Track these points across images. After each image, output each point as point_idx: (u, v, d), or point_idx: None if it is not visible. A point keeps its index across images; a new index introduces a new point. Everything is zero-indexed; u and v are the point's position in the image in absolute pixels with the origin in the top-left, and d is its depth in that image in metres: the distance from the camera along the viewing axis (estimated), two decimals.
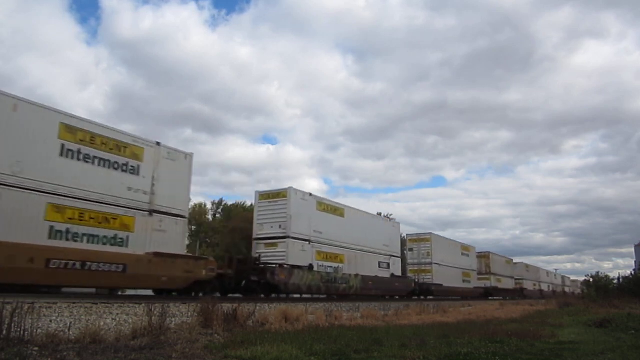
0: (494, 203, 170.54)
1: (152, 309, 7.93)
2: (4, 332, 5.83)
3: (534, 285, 63.13)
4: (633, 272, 42.92)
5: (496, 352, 7.23)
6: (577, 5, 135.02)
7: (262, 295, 19.14)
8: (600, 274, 43.59)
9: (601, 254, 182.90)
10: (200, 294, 14.41)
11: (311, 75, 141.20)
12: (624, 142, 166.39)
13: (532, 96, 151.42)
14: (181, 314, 10.37)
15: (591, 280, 44.10)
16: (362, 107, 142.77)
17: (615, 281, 41.95)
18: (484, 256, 46.77)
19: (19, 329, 5.96)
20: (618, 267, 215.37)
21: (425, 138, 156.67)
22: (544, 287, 68.53)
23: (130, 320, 8.78)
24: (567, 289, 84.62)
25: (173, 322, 8.78)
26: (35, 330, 6.23)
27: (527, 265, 62.24)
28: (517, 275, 55.79)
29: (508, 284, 50.77)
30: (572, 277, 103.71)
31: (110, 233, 12.94)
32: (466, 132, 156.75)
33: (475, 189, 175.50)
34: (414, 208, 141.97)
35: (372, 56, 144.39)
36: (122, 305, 10.53)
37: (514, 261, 57.43)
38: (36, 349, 5.65)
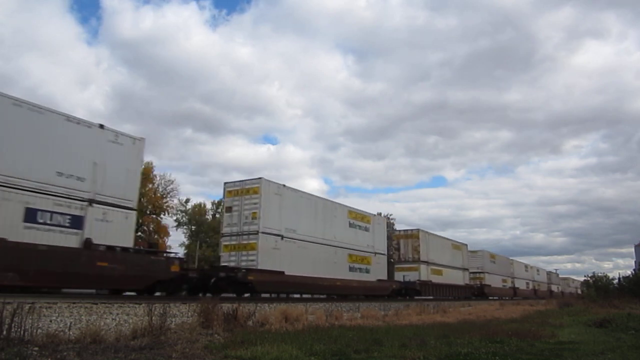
0: (495, 203, 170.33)
1: (152, 309, 7.93)
2: (4, 332, 5.83)
3: (504, 281, 49.45)
4: (633, 272, 43.02)
5: (496, 352, 7.24)
6: (578, 5, 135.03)
7: None
8: (599, 273, 43.66)
9: (601, 254, 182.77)
10: None
11: (312, 76, 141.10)
12: (625, 142, 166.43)
13: (532, 96, 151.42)
14: (181, 314, 10.37)
15: (591, 280, 44.20)
16: (363, 107, 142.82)
17: (615, 281, 42.06)
18: (410, 235, 31.47)
19: (19, 329, 5.96)
20: (618, 267, 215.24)
21: (426, 138, 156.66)
22: (521, 285, 55.40)
23: (131, 320, 8.79)
24: (555, 288, 74.95)
25: (173, 322, 8.79)
26: (35, 330, 6.23)
27: (492, 255, 46.90)
28: (475, 267, 42.20)
29: (456, 278, 35.96)
30: (563, 275, 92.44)
31: None
32: (466, 132, 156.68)
33: (476, 189, 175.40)
34: (414, 208, 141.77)
35: (372, 56, 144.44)
36: (122, 305, 10.52)
37: (470, 248, 43.28)
38: (36, 349, 5.65)
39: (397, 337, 8.68)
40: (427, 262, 31.56)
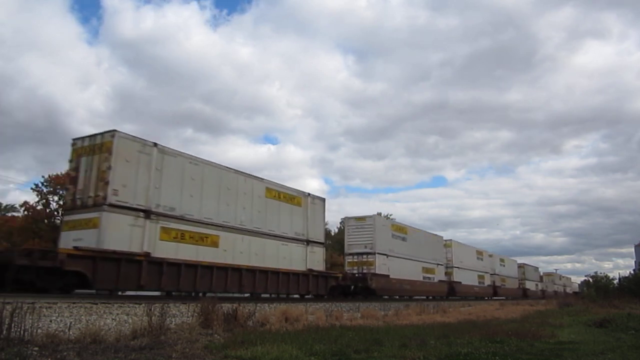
0: (495, 203, 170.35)
1: (152, 309, 7.93)
2: (4, 332, 5.82)
3: (429, 271, 31.36)
4: (633, 272, 43.06)
5: (496, 352, 7.23)
6: (578, 5, 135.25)
7: None
8: (599, 273, 43.67)
9: (601, 254, 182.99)
10: None
11: (312, 76, 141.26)
12: (625, 142, 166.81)
13: (533, 96, 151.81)
14: (181, 314, 10.37)
15: (591, 280, 44.22)
16: (363, 107, 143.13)
17: (616, 281, 42.09)
18: (97, 147, 13.63)
19: (19, 329, 5.96)
20: (618, 267, 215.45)
21: (426, 138, 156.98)
22: (467, 279, 38.07)
23: (130, 320, 8.78)
24: (532, 285, 59.26)
25: (173, 322, 8.78)
26: (35, 330, 6.23)
27: (399, 227, 29.09)
28: (360, 246, 25.89)
29: (280, 257, 19.08)
30: (545, 271, 75.26)
31: None
32: (467, 132, 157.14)
33: (476, 189, 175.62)
34: (415, 208, 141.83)
35: (373, 56, 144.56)
36: (122, 305, 10.53)
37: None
38: (36, 349, 5.64)
39: (397, 337, 8.68)
40: (144, 211, 13.91)
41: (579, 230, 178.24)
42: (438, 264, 33.65)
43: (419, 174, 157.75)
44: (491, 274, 45.05)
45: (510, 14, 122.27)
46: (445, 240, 36.75)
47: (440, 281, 33.67)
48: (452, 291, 35.46)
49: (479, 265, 42.02)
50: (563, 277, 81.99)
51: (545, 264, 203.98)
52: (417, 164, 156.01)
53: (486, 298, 40.73)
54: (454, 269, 36.69)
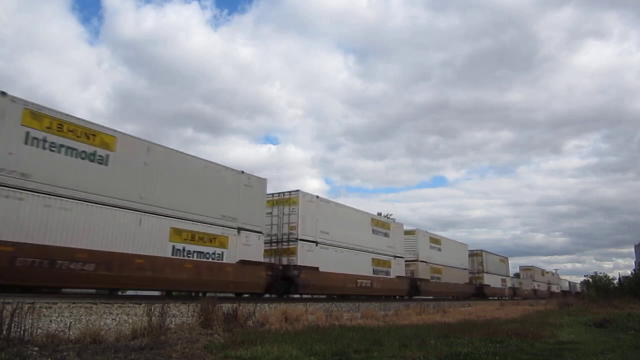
0: (495, 203, 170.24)
1: (152, 309, 7.93)
2: (4, 332, 5.82)
3: (221, 245, 16.19)
4: (633, 272, 43.11)
5: (496, 352, 7.23)
6: (579, 5, 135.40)
7: None
8: (599, 273, 43.64)
9: (602, 254, 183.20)
10: None
11: (313, 76, 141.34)
12: (626, 142, 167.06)
13: (534, 96, 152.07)
14: (181, 314, 10.37)
15: (591, 280, 44.27)
16: (364, 107, 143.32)
17: (615, 281, 42.15)
18: None
19: (19, 329, 5.96)
20: (618, 267, 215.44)
21: (427, 138, 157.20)
22: (344, 265, 22.25)
23: (130, 320, 8.78)
24: (497, 282, 43.28)
25: (173, 322, 8.78)
26: (35, 330, 6.23)
27: (91, 135, 12.32)
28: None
29: None
30: (523, 265, 61.81)
31: None
32: (468, 132, 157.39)
33: (476, 189, 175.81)
34: (415, 208, 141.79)
35: (374, 56, 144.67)
36: (122, 305, 10.54)
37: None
38: (36, 349, 5.64)
39: (398, 337, 8.67)
40: None
41: (580, 230, 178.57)
42: (251, 231, 17.72)
43: (420, 174, 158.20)
44: (408, 261, 28.90)
45: (511, 14, 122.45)
46: (288, 193, 20.42)
47: (256, 264, 17.74)
48: (290, 284, 19.41)
49: (379, 244, 25.38)
50: (547, 272, 66.23)
51: (545, 263, 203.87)
52: (417, 164, 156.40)
53: (396, 297, 26.34)
54: (306, 244, 20.34)
